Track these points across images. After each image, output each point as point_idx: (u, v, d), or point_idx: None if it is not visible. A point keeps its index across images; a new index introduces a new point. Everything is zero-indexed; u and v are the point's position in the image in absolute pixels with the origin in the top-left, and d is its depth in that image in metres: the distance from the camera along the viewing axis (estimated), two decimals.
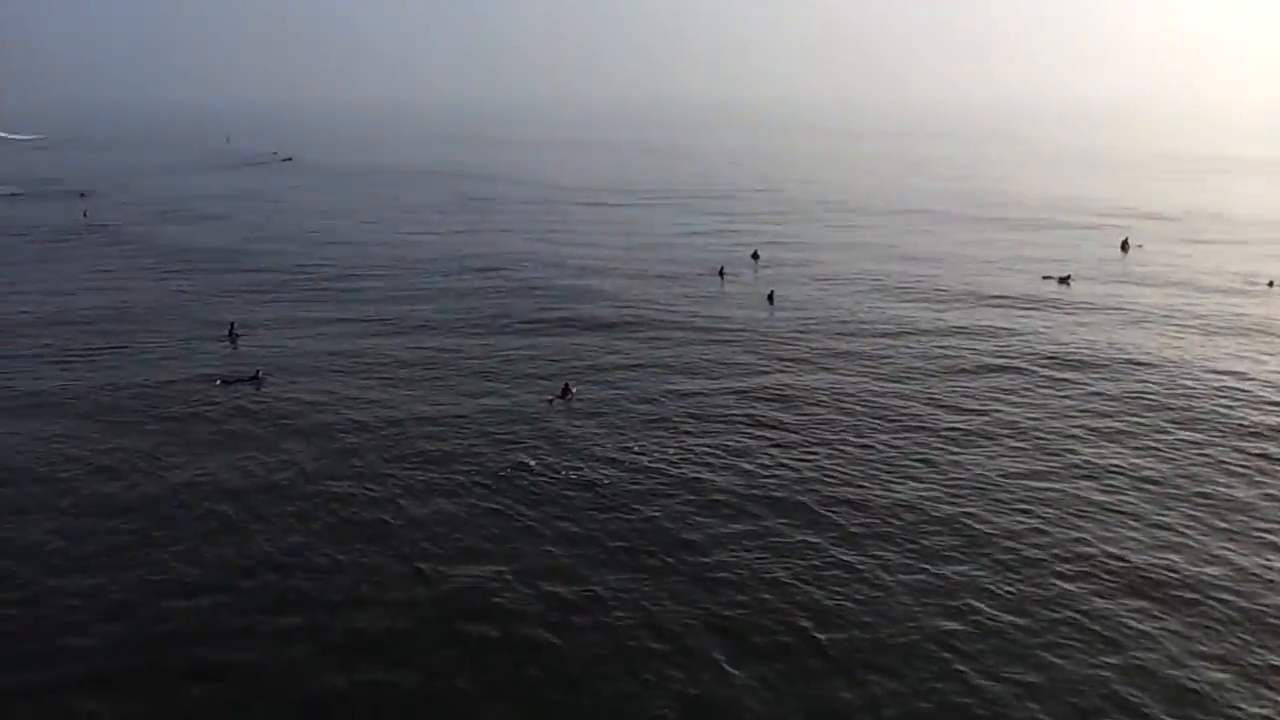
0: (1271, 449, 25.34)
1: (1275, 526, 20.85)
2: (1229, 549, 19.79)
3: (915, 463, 24.71)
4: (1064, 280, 47.78)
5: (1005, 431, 26.91)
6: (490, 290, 46.93)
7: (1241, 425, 26.99)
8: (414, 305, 43.63)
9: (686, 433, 27.18)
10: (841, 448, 25.85)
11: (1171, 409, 28.49)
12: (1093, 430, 26.87)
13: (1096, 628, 16.95)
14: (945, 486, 23.17)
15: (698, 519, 21.57)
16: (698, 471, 24.29)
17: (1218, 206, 76.58)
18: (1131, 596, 18.00)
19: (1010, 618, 17.30)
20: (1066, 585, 18.41)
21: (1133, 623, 17.11)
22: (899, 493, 22.83)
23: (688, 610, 17.81)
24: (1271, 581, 18.52)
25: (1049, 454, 25.19)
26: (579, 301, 43.95)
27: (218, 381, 31.41)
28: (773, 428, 27.47)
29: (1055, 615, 17.35)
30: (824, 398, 30.07)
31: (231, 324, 38.34)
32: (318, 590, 18.73)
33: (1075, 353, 34.60)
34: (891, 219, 72.92)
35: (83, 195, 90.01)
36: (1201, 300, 43.24)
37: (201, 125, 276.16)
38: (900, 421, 27.79)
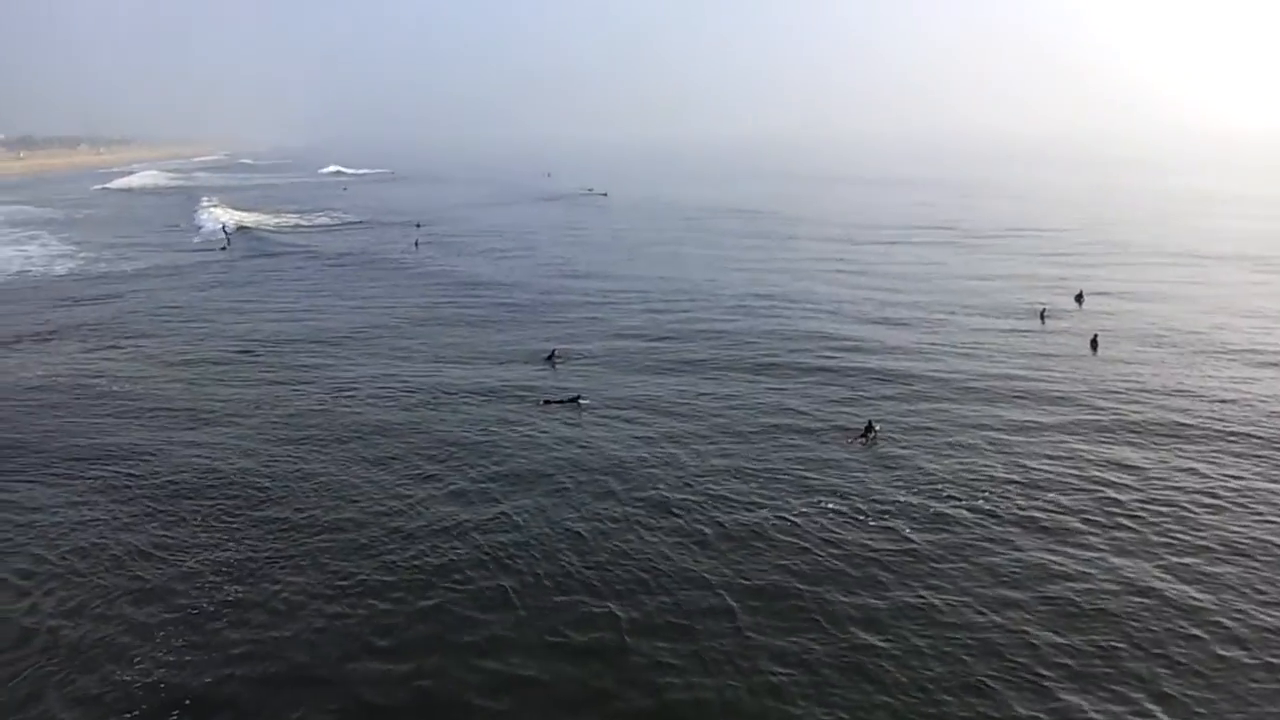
0: None
1: None
2: None
3: None
4: None
5: None
6: (786, 332, 45.33)
7: None
8: (713, 343, 43.20)
9: (1006, 479, 25.42)
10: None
11: None
12: None
13: None
14: None
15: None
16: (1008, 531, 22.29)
17: None
18: None
19: None
20: None
21: None
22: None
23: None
24: None
25: None
26: (879, 341, 41.95)
27: (542, 401, 33.69)
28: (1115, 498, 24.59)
29: None
30: (1156, 473, 26.34)
31: (552, 350, 40.90)
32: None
33: None
34: (1213, 265, 63.75)
35: (418, 225, 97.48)
36: None
37: (526, 162, 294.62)
38: None
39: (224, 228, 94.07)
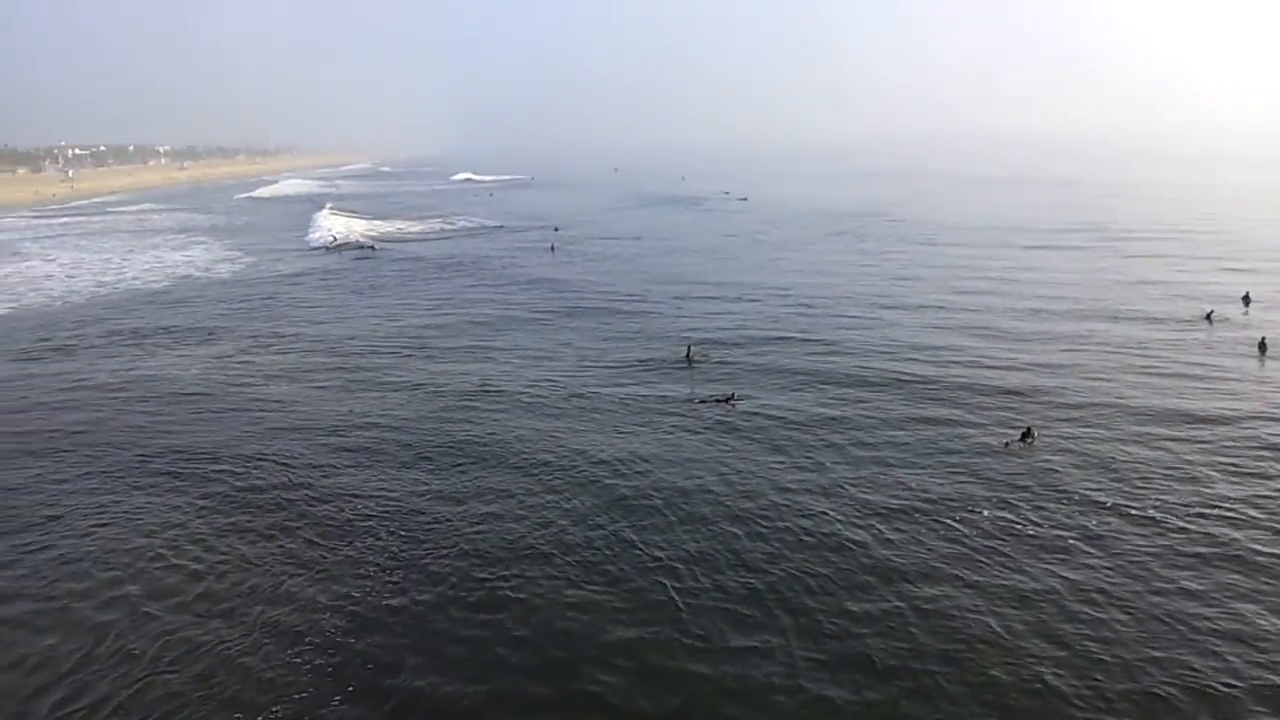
0: None
1: None
2: None
3: None
4: None
5: None
6: (933, 345, 43.17)
7: None
8: (852, 352, 41.23)
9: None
10: None
11: None
12: None
13: None
14: None
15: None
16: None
17: None
18: None
19: None
20: None
21: None
22: None
23: None
24: None
25: None
26: (1029, 350, 39.34)
27: (696, 400, 33.58)
28: None
29: None
30: None
31: (689, 347, 40.47)
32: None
33: None
34: None
35: (555, 229, 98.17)
36: None
37: (662, 166, 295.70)
38: None
39: (332, 235, 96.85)
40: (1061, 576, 19.84)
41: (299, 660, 17.62)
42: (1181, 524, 22.10)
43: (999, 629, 17.97)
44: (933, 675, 16.65)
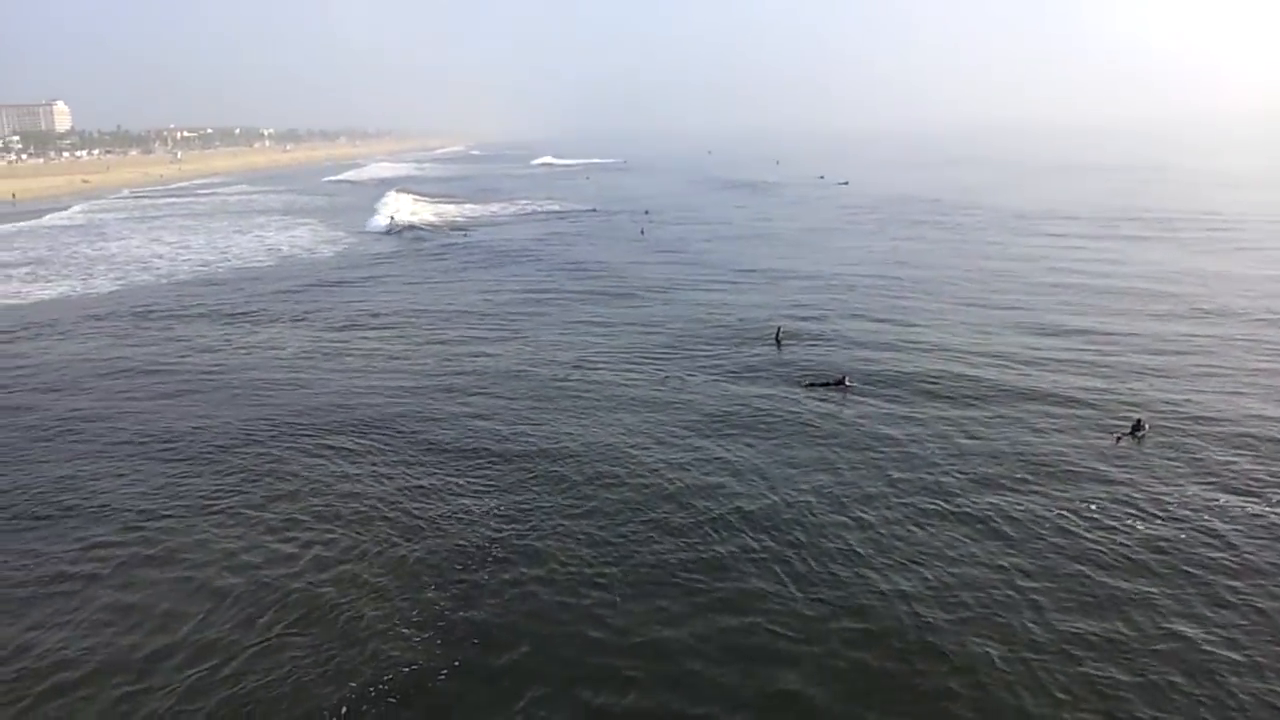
0: None
1: None
2: None
3: None
4: None
5: None
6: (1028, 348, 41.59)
7: None
8: (966, 327, 40.63)
9: None
10: None
11: None
12: None
13: None
14: None
15: None
16: None
17: None
18: None
19: None
20: None
21: None
22: None
23: None
24: None
25: None
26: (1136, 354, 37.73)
27: (805, 382, 33.32)
28: None
29: None
30: None
31: (778, 329, 40.59)
32: None
33: None
34: None
35: (646, 213, 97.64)
36: None
37: (755, 150, 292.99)
38: None
39: (392, 218, 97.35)
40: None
41: (408, 632, 17.84)
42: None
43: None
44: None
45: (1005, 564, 19.67)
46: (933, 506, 22.60)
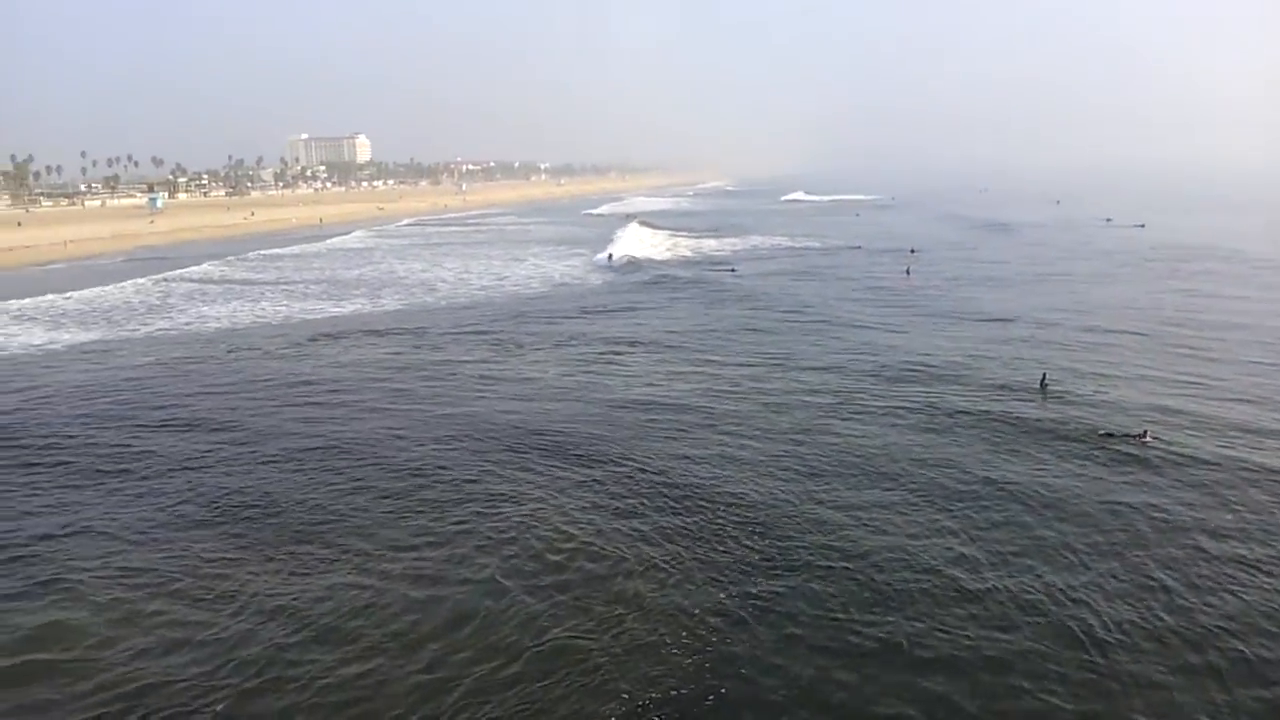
0: None
1: None
2: None
3: None
4: None
5: None
6: None
7: None
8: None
9: None
10: None
11: None
12: None
13: None
14: None
15: None
16: None
17: None
18: None
19: None
20: None
21: None
22: None
23: None
24: None
25: None
26: None
27: (1100, 432, 31.33)
28: None
29: None
30: None
31: (1043, 375, 38.12)
32: None
33: None
34: None
35: (912, 251, 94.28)
36: None
37: (1029, 187, 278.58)
38: None
39: (610, 256, 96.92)
40: None
41: (674, 655, 18.06)
42: None
43: None
44: None
45: None
46: None
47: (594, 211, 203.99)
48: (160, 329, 59.49)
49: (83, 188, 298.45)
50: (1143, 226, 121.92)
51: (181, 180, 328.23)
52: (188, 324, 61.18)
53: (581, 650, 18.16)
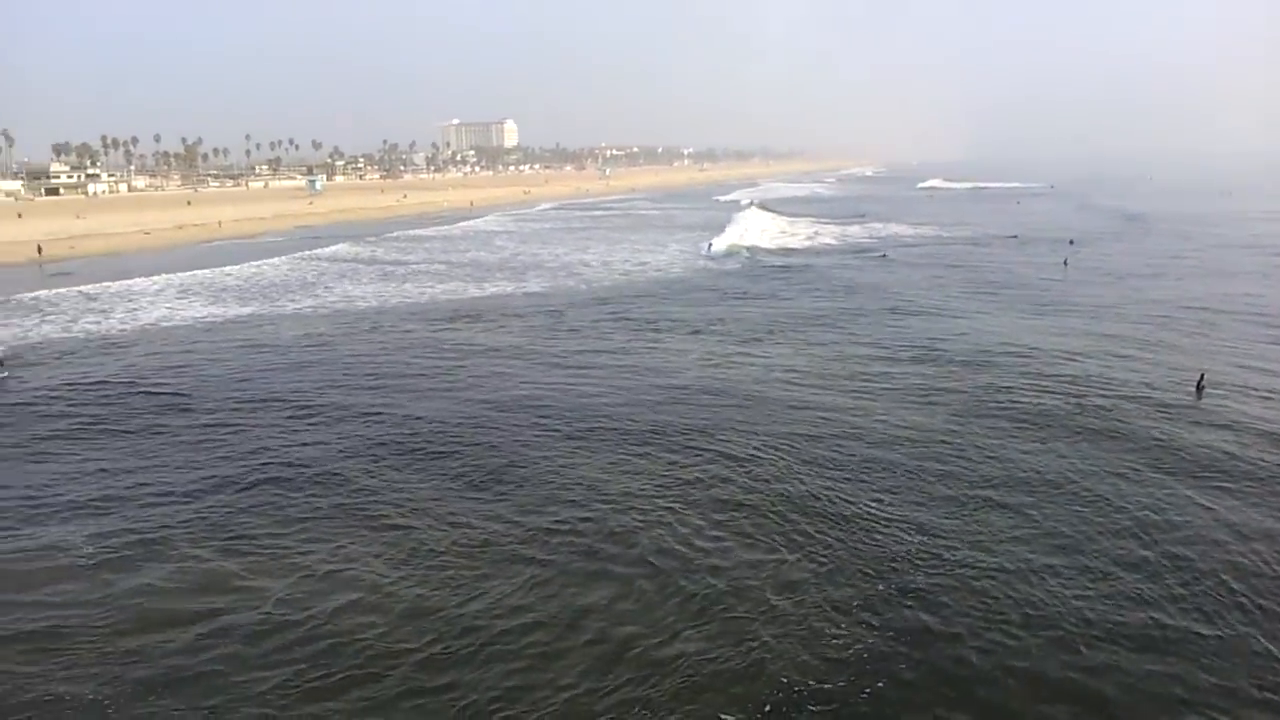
0: None
1: None
2: None
3: None
4: None
5: None
6: None
7: None
8: None
9: None
10: None
11: None
12: None
13: None
14: None
15: None
16: None
17: None
18: None
19: None
20: None
21: None
22: None
23: None
24: None
25: None
26: None
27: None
28: None
29: None
30: None
31: (1201, 375, 35.11)
32: None
33: None
34: None
35: (1071, 242, 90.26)
36: None
37: (1198, 177, 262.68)
38: None
39: (709, 245, 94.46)
40: None
41: (823, 643, 17.72)
42: None
43: None
44: None
45: None
46: None
47: (726, 197, 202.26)
48: (309, 305, 62.23)
49: (249, 169, 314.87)
50: None
51: (339, 163, 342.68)
52: (335, 302, 63.64)
53: (739, 633, 18.01)
